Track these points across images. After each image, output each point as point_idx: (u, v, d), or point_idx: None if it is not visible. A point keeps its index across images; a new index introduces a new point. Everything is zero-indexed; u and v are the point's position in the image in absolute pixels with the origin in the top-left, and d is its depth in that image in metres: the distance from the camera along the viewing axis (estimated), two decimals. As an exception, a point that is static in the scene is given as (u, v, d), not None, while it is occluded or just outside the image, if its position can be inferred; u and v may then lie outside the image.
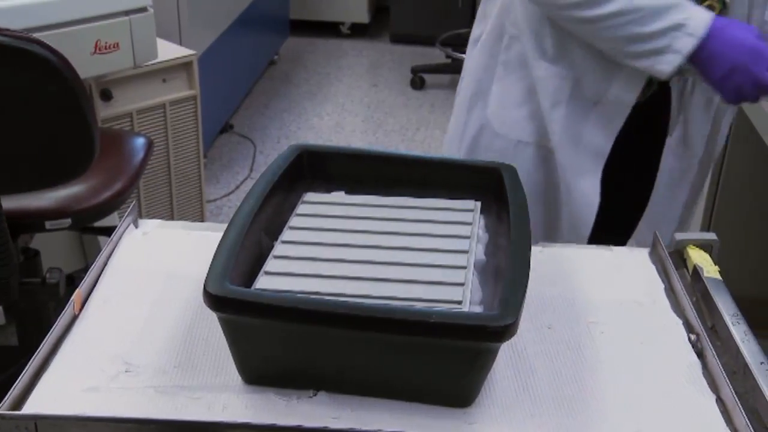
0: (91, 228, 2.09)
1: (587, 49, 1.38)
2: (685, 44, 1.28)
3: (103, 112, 2.36)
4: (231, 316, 0.83)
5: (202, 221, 2.74)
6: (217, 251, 0.88)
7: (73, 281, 1.86)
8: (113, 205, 1.97)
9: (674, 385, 0.90)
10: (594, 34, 1.34)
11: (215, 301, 0.82)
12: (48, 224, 1.88)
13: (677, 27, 1.28)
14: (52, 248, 2.24)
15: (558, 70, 1.42)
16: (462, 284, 0.91)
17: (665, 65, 1.29)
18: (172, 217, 2.64)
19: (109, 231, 1.12)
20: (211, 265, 0.85)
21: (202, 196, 2.74)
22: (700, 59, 1.29)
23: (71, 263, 2.30)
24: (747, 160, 2.37)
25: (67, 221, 1.89)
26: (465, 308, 0.88)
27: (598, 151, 1.45)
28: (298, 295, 0.86)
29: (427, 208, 1.07)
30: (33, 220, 1.88)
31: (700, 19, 1.28)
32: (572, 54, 1.40)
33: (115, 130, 2.33)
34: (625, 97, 1.40)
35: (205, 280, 0.83)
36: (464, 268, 0.95)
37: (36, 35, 1.74)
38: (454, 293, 0.90)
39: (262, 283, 0.91)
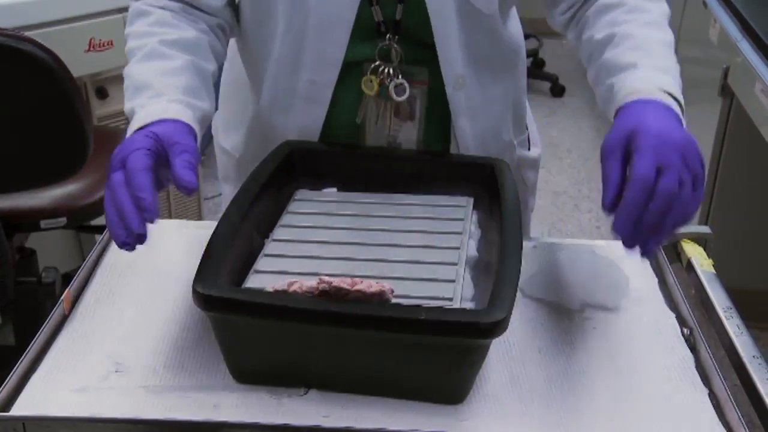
0: (86, 227, 2.09)
1: None
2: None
3: (99, 110, 2.35)
4: (220, 315, 0.83)
5: (200, 219, 2.74)
6: (206, 250, 0.88)
7: (69, 280, 1.86)
8: (109, 203, 1.96)
9: (667, 380, 0.90)
10: None
11: (204, 300, 0.81)
12: (43, 223, 1.88)
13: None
14: (49, 247, 2.24)
15: None
16: (453, 281, 0.91)
17: None
18: (169, 215, 2.63)
19: (104, 230, 1.12)
20: (199, 264, 0.85)
21: (200, 193, 2.73)
22: None
23: (68, 262, 2.30)
24: (744, 153, 2.37)
25: (63, 220, 1.89)
26: (456, 305, 0.87)
27: None
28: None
29: (419, 204, 1.06)
30: (28, 220, 1.88)
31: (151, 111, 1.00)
32: None
33: (111, 129, 2.33)
34: None
35: (194, 280, 0.82)
36: (455, 264, 0.94)
37: (29, 33, 1.74)
38: (444, 290, 0.89)
39: (253, 281, 0.91)
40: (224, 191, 1.34)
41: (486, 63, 1.15)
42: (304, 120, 1.15)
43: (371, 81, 1.12)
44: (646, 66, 1.00)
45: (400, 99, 1.12)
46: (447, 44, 1.10)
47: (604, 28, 1.08)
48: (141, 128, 0.95)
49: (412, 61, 1.12)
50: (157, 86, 1.02)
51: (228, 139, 1.29)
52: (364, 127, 1.15)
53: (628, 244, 0.86)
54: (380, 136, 1.16)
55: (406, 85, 1.12)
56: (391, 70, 1.11)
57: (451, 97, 1.13)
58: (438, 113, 1.15)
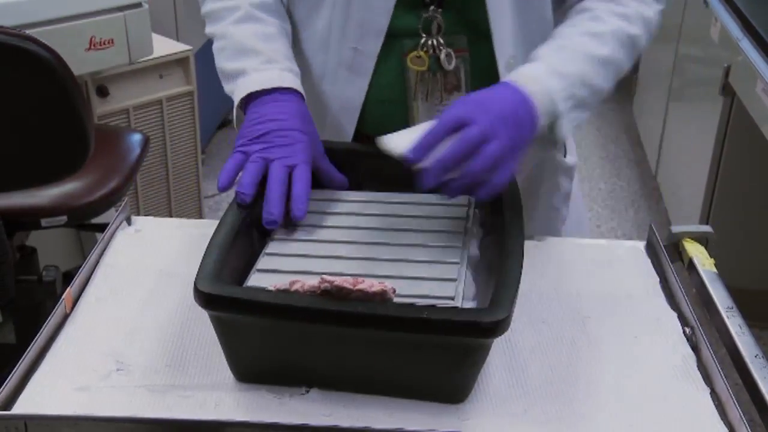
0: (87, 225, 2.09)
1: None
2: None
3: (100, 108, 2.36)
4: (222, 314, 0.83)
5: (200, 218, 2.74)
6: (207, 249, 0.88)
7: (69, 279, 1.86)
8: (109, 202, 1.97)
9: (669, 379, 0.90)
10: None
11: (205, 299, 0.81)
12: (44, 222, 1.88)
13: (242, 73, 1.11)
14: (50, 246, 2.24)
15: None
16: (455, 280, 0.91)
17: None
18: (170, 214, 2.63)
19: (105, 228, 1.12)
20: (201, 262, 0.85)
21: (200, 192, 2.73)
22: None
23: (68, 261, 2.30)
24: (745, 152, 2.37)
25: (63, 218, 1.89)
26: (458, 304, 0.87)
27: None
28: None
29: (421, 203, 1.06)
30: (29, 218, 1.87)
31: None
32: None
33: (111, 127, 2.33)
34: None
35: (196, 278, 0.82)
36: (458, 264, 0.94)
37: (30, 32, 1.74)
38: (446, 289, 0.89)
39: (254, 280, 0.91)
40: None
41: (535, 46, 1.14)
42: (347, 91, 1.16)
43: (419, 56, 1.12)
44: (546, 64, 1.05)
45: (451, 68, 1.12)
46: (501, 23, 1.11)
47: (565, 24, 1.12)
48: (261, 92, 1.07)
49: (449, 31, 1.12)
50: (267, 52, 1.11)
51: None
52: (414, 105, 1.15)
53: (426, 177, 0.93)
54: (430, 112, 1.15)
55: (453, 53, 1.12)
56: (435, 41, 1.12)
57: (502, 76, 1.12)
58: (486, 85, 1.14)
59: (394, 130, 1.05)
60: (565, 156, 1.27)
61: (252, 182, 0.99)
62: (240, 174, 1.01)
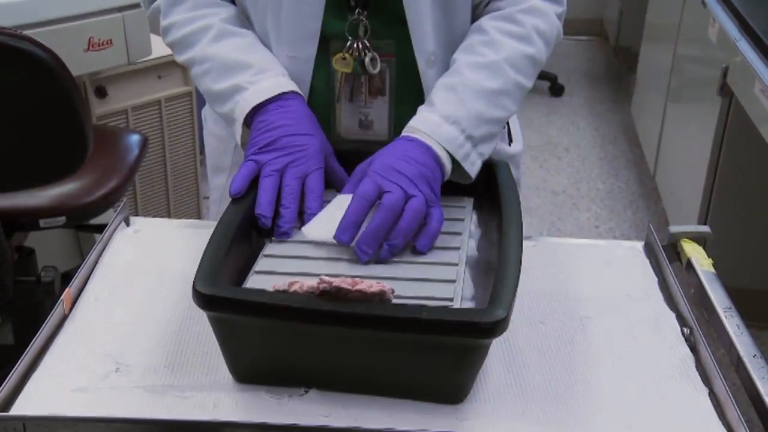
0: (86, 226, 2.09)
1: None
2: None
3: (98, 109, 2.36)
4: (220, 314, 0.83)
5: (199, 218, 2.73)
6: (206, 250, 0.88)
7: (68, 279, 1.86)
8: (108, 202, 1.97)
9: (667, 379, 0.90)
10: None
11: (204, 299, 0.81)
12: (42, 222, 1.87)
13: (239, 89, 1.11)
14: (48, 246, 2.24)
15: None
16: (453, 281, 0.91)
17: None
18: (168, 215, 2.63)
19: (104, 229, 1.12)
20: (200, 263, 0.85)
21: (199, 192, 2.73)
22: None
23: (67, 261, 2.30)
24: (743, 152, 2.37)
25: (62, 219, 1.89)
26: (456, 305, 0.87)
27: None
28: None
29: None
30: (27, 218, 1.87)
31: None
32: None
33: (110, 128, 2.33)
34: None
35: (194, 279, 0.82)
36: (456, 264, 0.94)
37: (28, 32, 1.74)
38: (445, 290, 0.89)
39: (253, 282, 0.91)
40: (214, 183, 1.34)
41: (458, 44, 1.14)
42: None
43: (344, 58, 1.12)
44: (438, 111, 1.06)
45: (375, 71, 1.13)
46: (419, 20, 1.11)
47: (458, 52, 1.12)
48: (264, 103, 1.07)
49: (378, 35, 1.13)
50: (256, 63, 1.11)
51: (220, 124, 1.28)
52: (337, 106, 1.16)
53: (361, 253, 0.94)
54: (353, 114, 1.16)
55: (378, 57, 1.13)
56: (361, 45, 1.12)
57: (423, 74, 1.13)
58: (410, 92, 1.15)
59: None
60: (510, 144, 1.28)
61: (270, 202, 0.99)
62: (257, 192, 1.00)
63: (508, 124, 1.28)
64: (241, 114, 1.09)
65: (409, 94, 1.15)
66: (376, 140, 1.15)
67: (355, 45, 1.12)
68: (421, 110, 1.09)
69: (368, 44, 1.12)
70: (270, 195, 1.00)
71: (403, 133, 1.07)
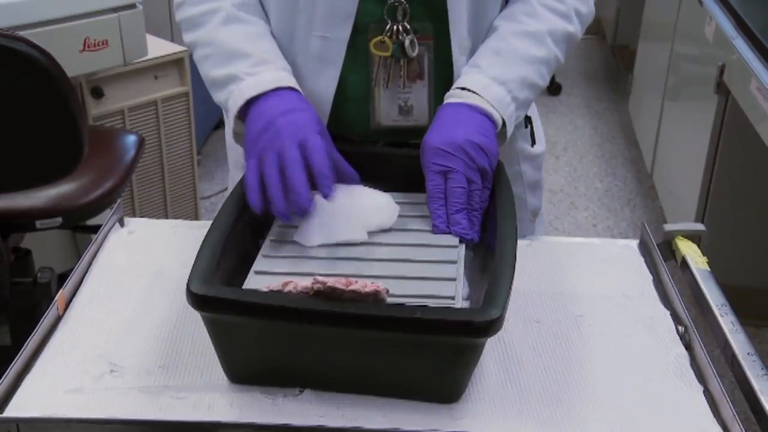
0: (82, 227, 2.08)
1: None
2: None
3: (95, 110, 2.35)
4: (214, 315, 0.83)
5: (197, 219, 2.73)
6: (200, 250, 0.88)
7: (65, 281, 1.86)
8: (104, 203, 1.96)
9: (662, 377, 0.90)
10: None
11: (198, 300, 0.81)
12: (38, 223, 1.87)
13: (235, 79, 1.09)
14: (45, 248, 2.24)
15: None
16: (454, 279, 0.91)
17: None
18: (165, 216, 2.62)
19: (99, 229, 1.12)
20: (193, 264, 0.85)
21: (196, 193, 2.73)
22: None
23: (64, 263, 2.29)
24: (739, 150, 2.37)
25: (58, 220, 1.89)
26: (458, 304, 0.87)
27: None
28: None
29: (415, 203, 1.06)
30: (23, 220, 1.87)
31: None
32: None
33: (106, 128, 2.32)
34: None
35: (188, 280, 0.82)
36: (455, 263, 0.94)
37: (24, 33, 1.74)
38: (447, 289, 0.89)
39: (252, 282, 0.91)
40: (232, 177, 1.32)
41: (484, 37, 1.15)
42: (318, 83, 1.14)
43: (383, 42, 1.12)
44: (486, 73, 1.09)
45: (414, 54, 1.12)
46: (457, 3, 1.11)
47: (499, 19, 1.14)
48: (259, 96, 1.05)
49: (415, 17, 1.12)
50: (258, 53, 1.10)
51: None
52: (375, 91, 1.14)
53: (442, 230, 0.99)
54: (393, 100, 1.15)
55: (416, 41, 1.12)
56: (400, 27, 1.11)
57: (456, 61, 1.13)
58: (445, 77, 1.15)
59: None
60: (533, 145, 1.28)
61: (282, 195, 0.96)
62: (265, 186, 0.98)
63: (531, 124, 1.28)
64: (234, 105, 1.07)
65: (443, 80, 1.15)
66: (416, 125, 1.15)
67: (394, 28, 1.11)
68: (467, 71, 1.10)
69: (408, 26, 1.12)
70: (277, 186, 0.97)
71: (452, 90, 1.09)
